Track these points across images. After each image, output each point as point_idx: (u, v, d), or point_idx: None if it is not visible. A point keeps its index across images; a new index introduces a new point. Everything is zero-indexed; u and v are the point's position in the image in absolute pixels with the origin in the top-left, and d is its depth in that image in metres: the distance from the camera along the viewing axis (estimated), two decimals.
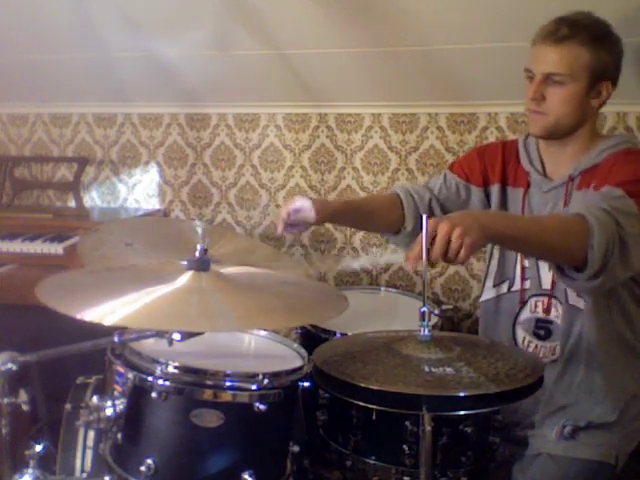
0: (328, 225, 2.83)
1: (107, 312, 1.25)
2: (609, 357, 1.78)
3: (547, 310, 1.82)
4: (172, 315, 1.31)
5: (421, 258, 1.34)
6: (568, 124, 1.74)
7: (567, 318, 1.77)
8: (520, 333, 1.87)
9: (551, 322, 1.82)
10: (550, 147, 1.84)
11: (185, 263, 1.41)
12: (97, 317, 1.23)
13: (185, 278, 1.38)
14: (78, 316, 1.22)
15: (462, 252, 1.35)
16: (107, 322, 1.23)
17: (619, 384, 1.79)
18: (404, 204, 1.91)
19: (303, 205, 1.71)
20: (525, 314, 1.86)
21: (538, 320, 1.84)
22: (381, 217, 1.91)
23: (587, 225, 1.48)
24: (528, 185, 1.85)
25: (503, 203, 1.90)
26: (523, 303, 1.85)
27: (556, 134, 1.76)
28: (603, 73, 1.72)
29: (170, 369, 1.40)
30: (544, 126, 1.75)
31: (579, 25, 1.70)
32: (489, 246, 1.94)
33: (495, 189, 1.91)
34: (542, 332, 1.83)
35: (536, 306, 1.84)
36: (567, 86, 1.70)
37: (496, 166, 1.92)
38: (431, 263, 1.35)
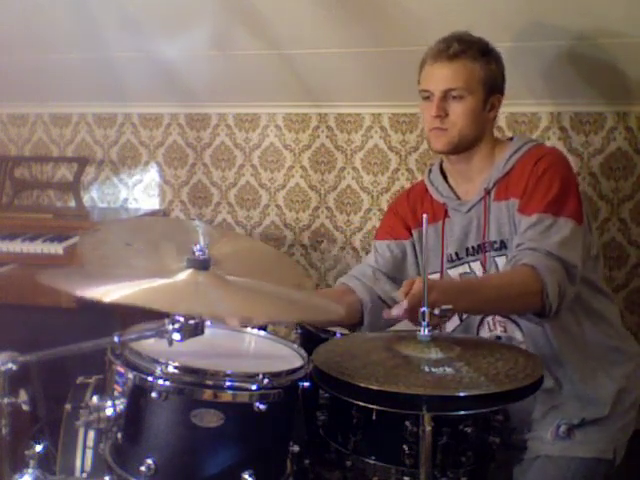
0: (328, 225, 2.83)
1: (107, 290, 1.28)
2: (582, 360, 1.80)
3: (494, 326, 1.84)
4: (172, 296, 1.34)
5: (401, 319, 1.48)
6: (470, 137, 1.81)
7: (528, 330, 1.79)
8: None
9: (500, 338, 1.84)
10: (456, 166, 1.89)
11: (185, 263, 1.42)
12: (97, 294, 1.26)
13: (184, 276, 1.39)
14: (78, 293, 1.23)
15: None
16: (107, 299, 1.25)
17: (601, 382, 1.80)
18: (352, 287, 1.93)
19: None
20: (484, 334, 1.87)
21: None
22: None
23: (539, 276, 1.60)
24: (446, 214, 1.90)
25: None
26: (478, 327, 1.87)
27: (460, 148, 1.82)
28: (494, 86, 1.82)
29: (170, 369, 1.39)
30: (448, 141, 1.81)
31: (467, 41, 1.79)
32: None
33: (416, 233, 1.95)
34: None
35: (493, 324, 1.85)
36: (466, 99, 1.78)
37: (409, 214, 1.98)
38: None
